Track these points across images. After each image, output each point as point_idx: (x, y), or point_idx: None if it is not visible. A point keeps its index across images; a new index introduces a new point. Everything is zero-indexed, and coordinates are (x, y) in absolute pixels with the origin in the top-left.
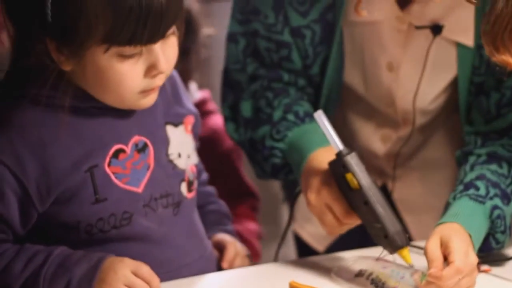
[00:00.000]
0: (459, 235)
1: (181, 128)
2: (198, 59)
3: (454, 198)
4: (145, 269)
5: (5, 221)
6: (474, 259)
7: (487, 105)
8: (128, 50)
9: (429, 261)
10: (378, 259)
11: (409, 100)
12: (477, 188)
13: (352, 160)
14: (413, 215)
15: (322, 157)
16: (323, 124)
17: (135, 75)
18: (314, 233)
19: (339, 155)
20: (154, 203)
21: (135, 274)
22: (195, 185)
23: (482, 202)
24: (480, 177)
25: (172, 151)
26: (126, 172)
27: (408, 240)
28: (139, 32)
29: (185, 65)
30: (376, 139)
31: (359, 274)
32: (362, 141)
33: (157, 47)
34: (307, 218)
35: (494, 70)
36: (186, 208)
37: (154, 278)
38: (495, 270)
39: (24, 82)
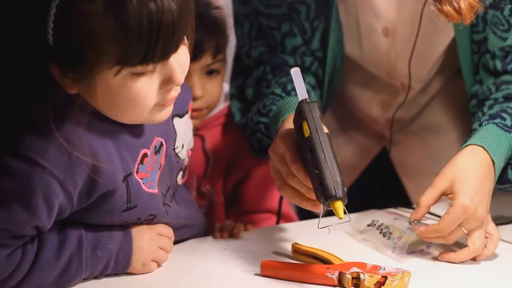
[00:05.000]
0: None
1: (185, 117)
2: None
3: (480, 125)
4: (164, 229)
5: (42, 230)
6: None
7: (493, 63)
8: (140, 69)
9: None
10: (390, 212)
11: (408, 64)
12: (504, 119)
13: (310, 107)
14: (413, 180)
15: (291, 121)
16: (296, 78)
17: (150, 91)
18: None
19: (299, 103)
20: (166, 199)
21: (159, 234)
22: (187, 168)
23: (508, 131)
24: (503, 111)
25: (178, 144)
26: (147, 176)
27: (345, 195)
28: (151, 51)
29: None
30: (375, 106)
31: (371, 224)
32: (361, 108)
33: (171, 60)
34: None
35: (492, 26)
36: (180, 194)
37: (172, 234)
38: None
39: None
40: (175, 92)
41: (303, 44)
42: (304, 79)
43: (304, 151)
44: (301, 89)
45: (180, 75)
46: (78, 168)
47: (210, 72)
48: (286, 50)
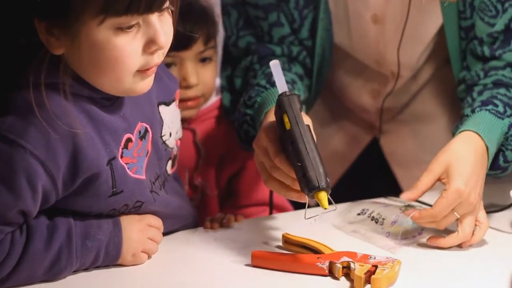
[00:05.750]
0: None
1: (172, 105)
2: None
3: (473, 112)
4: (153, 220)
5: (28, 216)
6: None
7: (481, 49)
8: (125, 20)
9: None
10: (379, 202)
11: (397, 51)
12: (496, 105)
13: (289, 101)
14: (404, 169)
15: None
16: (276, 71)
17: (133, 50)
18: None
19: (279, 96)
20: (154, 187)
21: (148, 225)
22: (177, 158)
23: (501, 118)
24: (494, 97)
25: (165, 132)
26: (134, 162)
27: (329, 185)
28: (136, 0)
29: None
30: (365, 94)
31: (361, 213)
32: (351, 97)
33: (155, 19)
34: None
35: (480, 12)
36: (170, 184)
37: (161, 225)
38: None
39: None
40: (157, 58)
41: (291, 34)
42: (291, 68)
43: (286, 144)
44: (281, 82)
45: (163, 37)
46: (59, 149)
47: (203, 60)
48: (273, 40)
